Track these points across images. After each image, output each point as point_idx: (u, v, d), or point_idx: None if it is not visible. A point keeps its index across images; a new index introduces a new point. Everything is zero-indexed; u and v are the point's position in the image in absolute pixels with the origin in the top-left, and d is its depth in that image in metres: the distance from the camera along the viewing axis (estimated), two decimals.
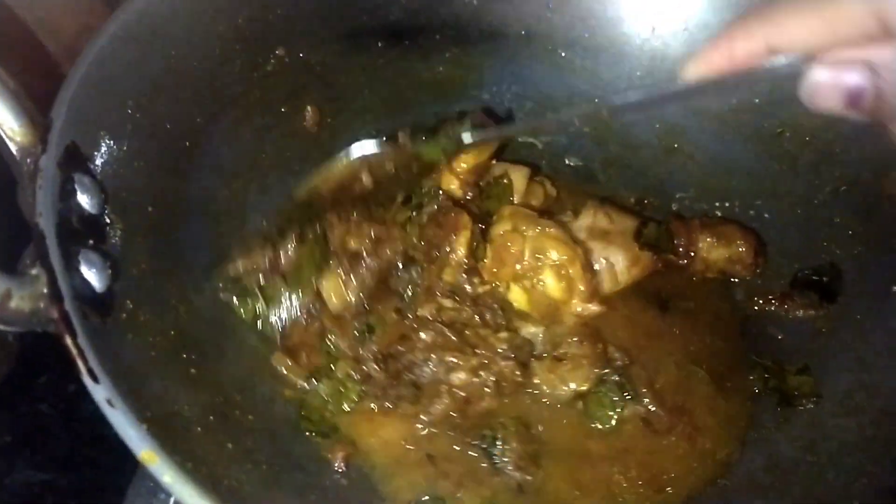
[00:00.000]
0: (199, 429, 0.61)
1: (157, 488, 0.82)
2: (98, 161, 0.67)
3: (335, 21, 0.95)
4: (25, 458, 0.89)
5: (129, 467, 0.84)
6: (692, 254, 0.97)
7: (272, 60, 0.90)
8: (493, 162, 1.00)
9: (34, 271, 0.55)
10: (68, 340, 0.52)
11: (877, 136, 0.87)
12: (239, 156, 0.87)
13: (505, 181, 0.98)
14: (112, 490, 0.84)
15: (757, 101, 0.98)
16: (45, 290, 0.54)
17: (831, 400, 0.82)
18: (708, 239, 0.96)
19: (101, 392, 0.50)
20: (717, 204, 1.03)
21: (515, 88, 1.06)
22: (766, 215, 0.99)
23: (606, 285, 0.92)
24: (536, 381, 0.85)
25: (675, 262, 0.98)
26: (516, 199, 0.98)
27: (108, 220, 0.66)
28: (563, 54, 1.04)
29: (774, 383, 0.89)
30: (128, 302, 0.63)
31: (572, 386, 0.85)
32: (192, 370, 0.67)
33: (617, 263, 0.92)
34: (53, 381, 0.93)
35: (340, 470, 0.74)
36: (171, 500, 0.79)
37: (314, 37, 0.93)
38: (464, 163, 0.95)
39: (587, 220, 0.94)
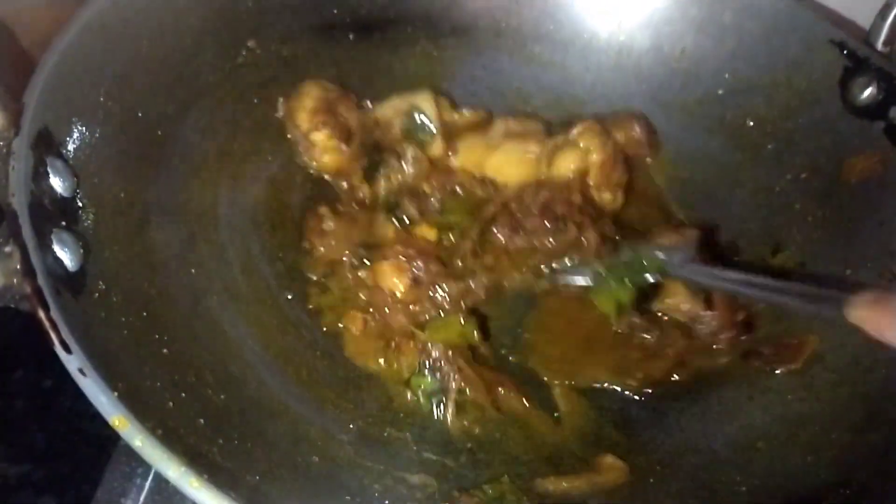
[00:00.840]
0: (171, 403, 0.62)
1: (132, 473, 0.82)
2: (70, 146, 0.68)
3: (306, 14, 0.96)
4: (1, 452, 0.88)
5: (103, 459, 0.84)
6: None
7: (244, 52, 0.92)
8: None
9: (7, 248, 0.56)
10: (42, 314, 0.53)
11: (835, 126, 0.92)
12: (211, 145, 0.88)
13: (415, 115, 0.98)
14: (88, 482, 0.84)
15: (721, 92, 1.01)
16: (18, 267, 0.55)
17: (790, 374, 0.84)
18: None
19: (73, 362, 0.52)
20: (682, 190, 1.05)
21: (487, 82, 1.08)
22: (729, 203, 1.01)
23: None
24: None
25: None
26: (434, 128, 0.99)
27: (80, 204, 0.67)
28: (532, 48, 1.06)
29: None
30: (100, 282, 0.64)
31: None
32: (165, 350, 0.68)
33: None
34: (28, 376, 0.93)
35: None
36: (147, 482, 0.79)
37: (285, 29, 0.95)
38: None
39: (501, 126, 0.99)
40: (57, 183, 0.64)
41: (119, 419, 0.50)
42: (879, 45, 0.91)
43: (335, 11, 0.98)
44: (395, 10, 1.01)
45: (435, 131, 0.97)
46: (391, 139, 0.97)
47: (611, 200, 0.96)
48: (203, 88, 0.88)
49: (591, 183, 0.94)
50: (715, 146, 1.02)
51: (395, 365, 0.84)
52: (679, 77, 1.02)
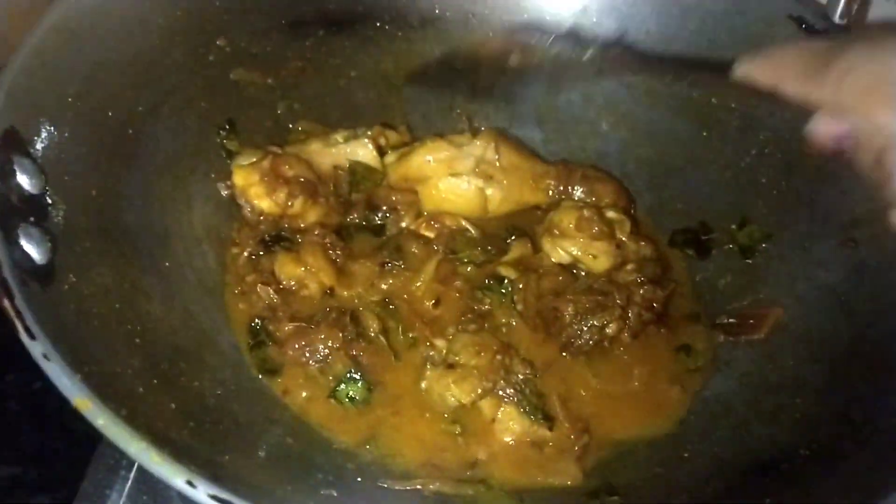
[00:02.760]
0: (140, 389, 0.63)
1: (117, 465, 0.84)
2: (39, 145, 0.70)
3: (275, 10, 0.98)
4: None
5: (90, 454, 0.86)
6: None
7: (214, 50, 0.93)
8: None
9: None
10: (6, 302, 0.55)
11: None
12: (182, 142, 0.89)
13: (358, 168, 0.98)
14: (78, 482, 0.85)
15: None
16: None
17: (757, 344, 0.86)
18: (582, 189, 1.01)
19: (37, 347, 0.54)
20: (651, 172, 1.06)
21: (456, 73, 1.08)
22: (696, 179, 1.03)
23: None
24: (423, 386, 0.84)
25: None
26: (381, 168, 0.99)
27: (49, 201, 0.69)
28: None
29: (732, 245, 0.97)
30: (70, 275, 0.66)
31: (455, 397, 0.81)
32: (137, 340, 0.70)
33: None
34: (19, 379, 0.95)
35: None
36: (131, 473, 0.81)
37: (254, 27, 0.96)
38: None
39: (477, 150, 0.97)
40: (24, 181, 0.66)
41: (80, 400, 0.52)
42: (837, 18, 0.92)
43: (304, 8, 0.99)
44: (364, 5, 1.03)
45: (381, 169, 0.99)
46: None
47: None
48: (173, 87, 0.89)
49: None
50: (681, 126, 1.03)
51: None
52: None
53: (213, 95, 0.93)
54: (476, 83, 1.02)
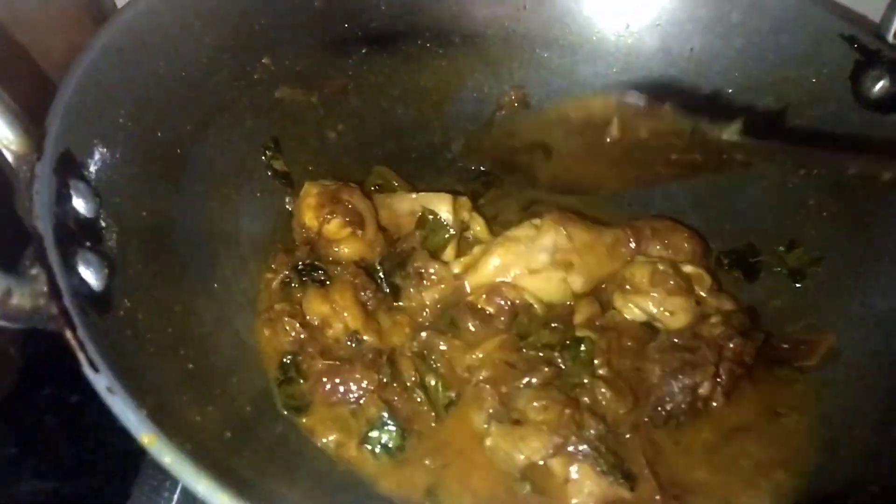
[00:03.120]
0: (198, 417, 0.63)
1: (160, 487, 0.83)
2: (92, 168, 0.69)
3: (318, 29, 0.98)
4: (31, 468, 0.90)
5: (131, 473, 0.85)
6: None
7: (259, 69, 0.93)
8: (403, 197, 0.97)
9: (34, 271, 0.57)
10: (69, 334, 0.54)
11: (848, 120, 0.92)
12: (229, 161, 0.89)
13: (430, 217, 0.94)
14: (116, 496, 0.85)
15: (731, 91, 1.01)
16: (45, 288, 0.56)
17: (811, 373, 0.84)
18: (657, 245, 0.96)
19: (101, 381, 0.53)
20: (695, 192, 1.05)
21: (496, 89, 1.09)
22: (742, 200, 1.01)
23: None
24: (488, 443, 0.78)
25: None
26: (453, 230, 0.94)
27: (103, 224, 0.68)
28: (541, 54, 1.07)
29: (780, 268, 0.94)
30: (125, 301, 0.65)
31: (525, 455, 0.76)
32: (190, 365, 0.69)
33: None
34: (56, 392, 0.95)
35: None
36: (175, 495, 0.81)
37: (298, 45, 0.96)
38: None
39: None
40: (80, 204, 0.65)
41: (148, 436, 0.51)
42: (891, 38, 0.91)
43: (346, 26, 0.99)
44: (406, 23, 1.02)
45: (453, 232, 0.94)
46: (403, 235, 0.94)
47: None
48: (220, 106, 0.89)
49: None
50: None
51: None
52: (688, 78, 1.02)
53: (258, 114, 0.93)
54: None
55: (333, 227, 0.90)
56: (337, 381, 0.79)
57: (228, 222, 0.87)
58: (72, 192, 0.65)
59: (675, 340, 0.83)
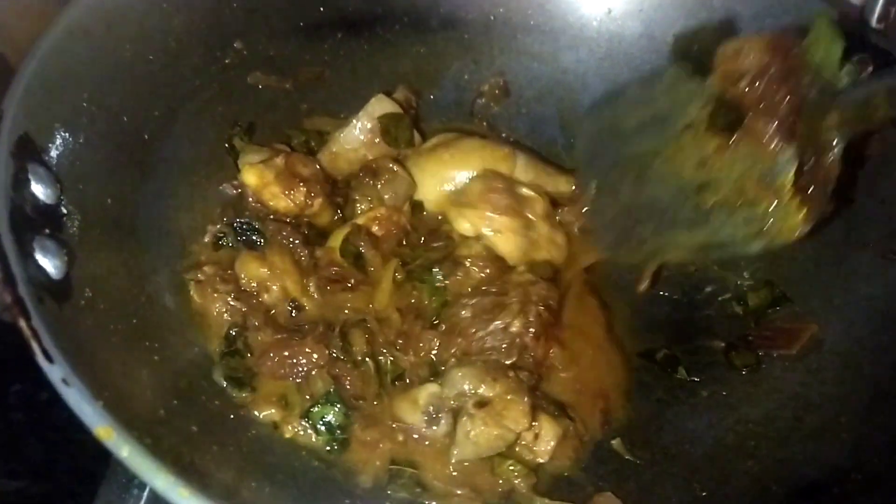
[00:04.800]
0: (161, 411, 0.61)
1: (129, 485, 0.81)
2: (53, 152, 0.67)
3: (293, 13, 0.95)
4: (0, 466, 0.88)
5: (100, 472, 0.83)
6: None
7: (231, 53, 0.91)
8: None
9: None
10: (22, 323, 0.52)
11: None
12: (199, 148, 0.87)
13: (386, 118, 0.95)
14: (85, 495, 0.83)
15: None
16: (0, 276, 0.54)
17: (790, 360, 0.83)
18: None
19: (56, 372, 0.51)
20: None
21: (476, 76, 1.07)
22: None
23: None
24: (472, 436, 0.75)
25: None
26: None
27: (64, 211, 0.66)
28: (523, 40, 1.05)
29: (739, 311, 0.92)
30: (87, 290, 0.63)
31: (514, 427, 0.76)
32: (155, 357, 0.67)
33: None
34: (26, 390, 0.93)
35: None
36: (144, 493, 0.78)
37: (272, 29, 0.94)
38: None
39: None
40: (39, 190, 0.63)
41: (104, 429, 0.49)
42: (873, 22, 0.90)
43: (322, 9, 0.97)
44: (383, 7, 1.00)
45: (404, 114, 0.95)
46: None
47: None
48: (190, 91, 0.87)
49: None
50: None
51: None
52: (672, 63, 1.00)
53: (229, 100, 0.91)
54: None
55: (317, 205, 0.88)
56: (286, 353, 0.77)
57: (198, 210, 0.85)
58: (30, 177, 0.63)
59: (484, 288, 0.84)
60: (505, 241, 0.88)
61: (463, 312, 0.82)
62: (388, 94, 0.97)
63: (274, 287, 0.81)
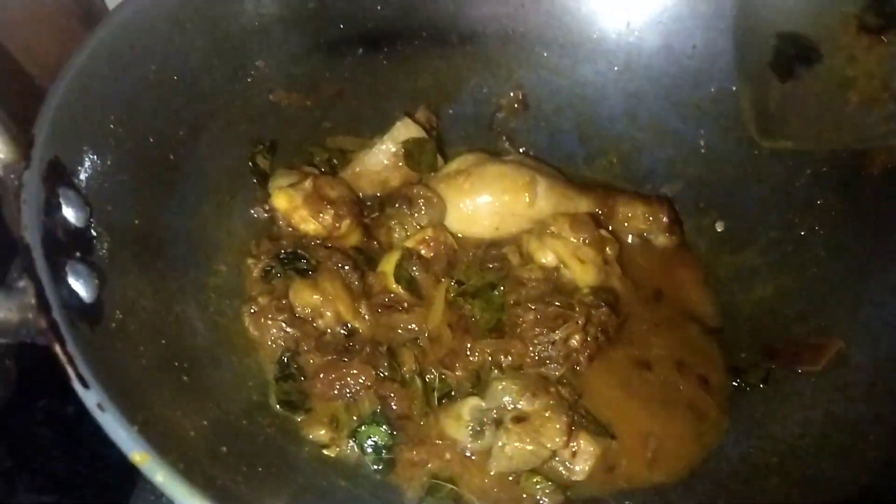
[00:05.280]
0: (192, 433, 0.61)
1: (158, 500, 0.82)
2: (82, 175, 0.68)
3: (313, 30, 0.96)
4: (26, 481, 0.88)
5: (128, 486, 0.84)
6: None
7: (252, 72, 0.91)
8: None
9: (21, 283, 0.56)
10: (57, 348, 0.52)
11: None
12: (223, 166, 0.88)
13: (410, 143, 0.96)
14: None
15: (735, 88, 0.99)
16: (33, 301, 0.54)
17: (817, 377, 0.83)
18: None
19: (91, 397, 0.51)
20: (698, 191, 1.03)
21: (495, 90, 1.07)
22: (749, 201, 0.99)
23: None
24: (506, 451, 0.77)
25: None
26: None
27: (94, 233, 0.66)
28: (541, 53, 1.05)
29: None
30: (117, 312, 0.64)
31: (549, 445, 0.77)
32: (185, 377, 0.67)
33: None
34: (52, 404, 0.93)
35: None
36: None
37: (293, 47, 0.94)
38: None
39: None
40: (70, 213, 0.64)
41: (139, 454, 0.49)
42: None
43: (342, 27, 0.97)
44: (403, 23, 1.00)
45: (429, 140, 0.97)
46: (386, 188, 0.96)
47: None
48: (213, 110, 0.87)
49: None
50: (731, 143, 1.00)
51: None
52: (691, 75, 1.00)
53: (252, 118, 0.92)
54: None
55: (345, 228, 0.89)
56: (334, 375, 0.79)
57: (222, 229, 0.85)
58: (61, 201, 0.63)
59: (548, 300, 0.86)
60: (585, 272, 0.91)
61: (528, 315, 0.84)
62: (410, 115, 0.98)
63: (328, 312, 0.83)
